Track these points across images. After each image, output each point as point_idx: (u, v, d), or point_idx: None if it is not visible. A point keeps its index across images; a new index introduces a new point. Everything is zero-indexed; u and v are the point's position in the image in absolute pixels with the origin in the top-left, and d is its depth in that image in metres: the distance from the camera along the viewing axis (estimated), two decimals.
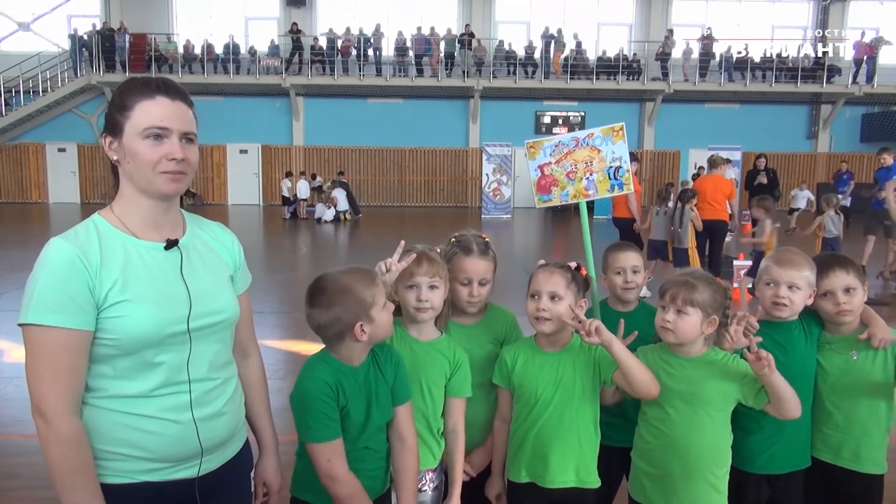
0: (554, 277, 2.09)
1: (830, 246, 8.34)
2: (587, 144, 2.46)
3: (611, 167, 2.46)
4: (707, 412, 2.04)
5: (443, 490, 2.16)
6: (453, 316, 2.26)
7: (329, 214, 17.39)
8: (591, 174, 2.47)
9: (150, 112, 1.50)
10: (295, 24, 20.62)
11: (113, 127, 1.53)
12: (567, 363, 2.11)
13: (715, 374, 2.04)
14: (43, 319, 1.41)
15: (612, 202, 9.05)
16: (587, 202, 2.56)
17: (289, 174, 19.14)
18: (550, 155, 2.49)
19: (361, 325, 1.79)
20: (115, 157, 1.54)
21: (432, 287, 2.05)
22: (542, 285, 2.09)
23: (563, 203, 2.55)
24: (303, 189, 18.24)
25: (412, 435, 1.95)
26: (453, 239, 2.26)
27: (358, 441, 1.87)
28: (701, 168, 11.08)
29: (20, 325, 1.44)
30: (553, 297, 2.07)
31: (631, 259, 2.46)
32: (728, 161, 10.58)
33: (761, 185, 11.74)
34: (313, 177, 19.50)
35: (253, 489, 1.83)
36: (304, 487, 1.90)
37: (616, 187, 2.48)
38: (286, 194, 18.55)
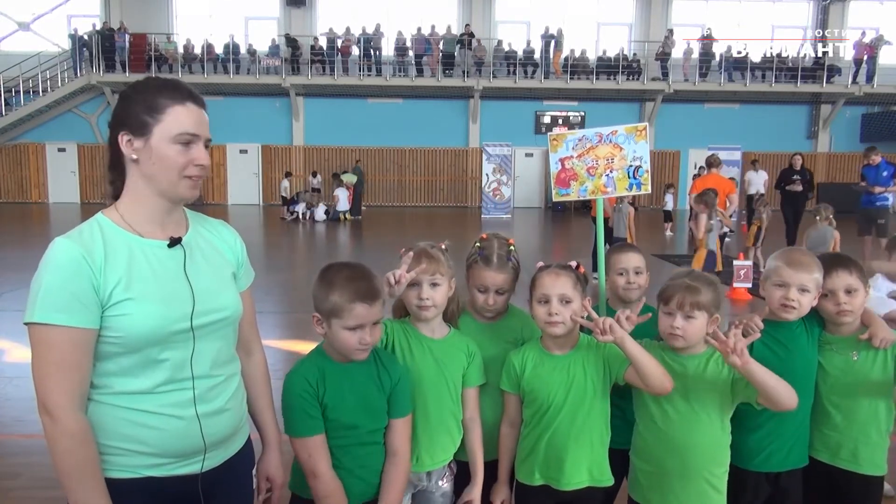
0: (561, 280, 2.08)
1: None
2: (610, 141, 2.44)
3: (631, 166, 2.45)
4: (705, 410, 2.04)
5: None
6: (473, 313, 2.27)
7: (319, 214, 17.31)
8: (611, 171, 2.45)
9: (182, 118, 1.53)
10: (287, 34, 20.48)
11: (139, 126, 1.52)
12: (577, 364, 2.10)
13: (712, 373, 2.05)
14: (48, 318, 1.43)
15: (590, 200, 8.97)
16: (590, 200, 2.55)
17: (288, 174, 19.12)
18: (573, 149, 2.47)
19: (318, 320, 1.86)
20: (134, 157, 1.53)
21: (434, 285, 2.05)
22: (551, 289, 2.06)
23: (581, 198, 2.53)
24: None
25: (405, 450, 1.96)
26: (478, 244, 2.23)
27: (358, 431, 1.88)
28: (702, 168, 11.07)
29: (26, 323, 1.45)
30: (563, 299, 2.05)
31: (633, 260, 2.45)
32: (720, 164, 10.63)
33: (794, 192, 10.88)
34: (313, 174, 19.45)
35: (256, 485, 1.84)
36: (304, 485, 1.90)
37: (634, 186, 2.46)
38: (285, 195, 18.52)
